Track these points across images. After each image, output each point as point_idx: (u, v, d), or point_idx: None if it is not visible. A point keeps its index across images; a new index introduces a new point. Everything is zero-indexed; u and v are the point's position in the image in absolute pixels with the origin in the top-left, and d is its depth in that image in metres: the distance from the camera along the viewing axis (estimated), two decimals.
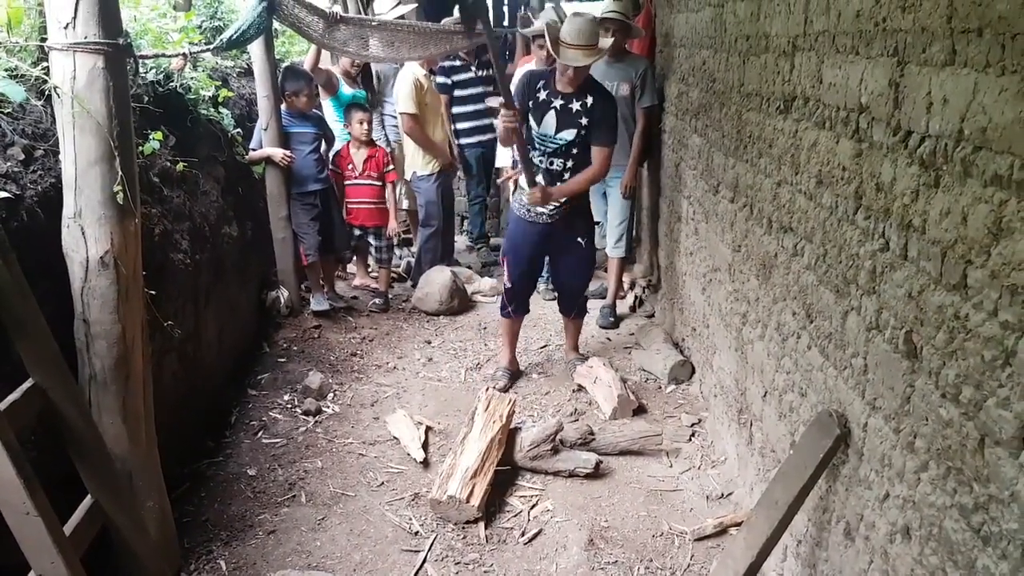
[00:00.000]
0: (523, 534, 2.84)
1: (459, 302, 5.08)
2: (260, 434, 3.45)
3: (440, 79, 5.50)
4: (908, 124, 1.58)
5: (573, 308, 4.16)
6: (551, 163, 3.73)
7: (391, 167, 5.01)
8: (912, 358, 1.57)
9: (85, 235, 2.15)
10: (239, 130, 4.30)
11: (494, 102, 5.15)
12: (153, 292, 2.50)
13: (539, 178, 3.73)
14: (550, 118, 3.68)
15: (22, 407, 1.87)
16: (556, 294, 4.39)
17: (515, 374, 4.12)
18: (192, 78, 3.57)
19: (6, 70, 2.29)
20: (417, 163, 5.32)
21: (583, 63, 3.52)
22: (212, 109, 3.89)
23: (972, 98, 1.33)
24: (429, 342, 4.64)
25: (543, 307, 4.87)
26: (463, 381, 4.13)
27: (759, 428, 2.70)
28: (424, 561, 2.68)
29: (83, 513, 2.06)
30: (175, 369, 3.05)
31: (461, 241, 6.66)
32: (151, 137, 2.90)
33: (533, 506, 3.00)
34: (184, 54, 3.14)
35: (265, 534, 2.80)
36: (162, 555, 2.42)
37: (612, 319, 4.84)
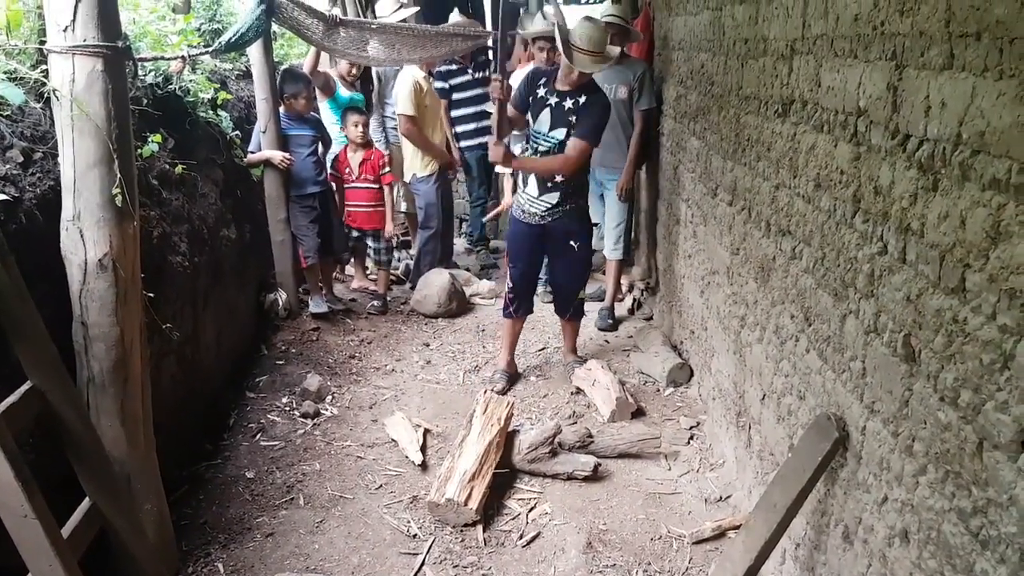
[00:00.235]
0: (521, 537, 2.84)
1: (457, 304, 5.08)
2: (258, 437, 3.45)
3: (437, 84, 5.50)
4: (906, 128, 1.58)
5: (568, 310, 4.16)
6: None
7: (387, 169, 5.01)
8: (910, 362, 1.57)
9: (84, 238, 2.14)
10: (238, 133, 4.30)
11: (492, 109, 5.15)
12: (152, 295, 2.51)
13: (516, 150, 3.77)
14: (545, 115, 3.72)
15: (20, 409, 1.86)
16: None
17: (513, 377, 4.12)
18: (191, 81, 3.57)
19: (5, 73, 2.29)
20: (416, 165, 5.32)
21: (592, 70, 3.60)
22: (211, 112, 3.89)
23: (970, 102, 1.33)
24: (427, 344, 4.64)
25: (541, 309, 4.87)
26: (461, 383, 4.13)
27: (757, 431, 2.70)
28: (422, 564, 2.68)
29: (81, 516, 2.06)
30: (173, 372, 3.04)
31: (460, 243, 6.66)
32: (150, 140, 2.89)
33: (531, 509, 3.00)
34: (183, 57, 3.14)
35: (263, 537, 2.80)
36: (160, 558, 2.41)
37: (610, 321, 4.84)
